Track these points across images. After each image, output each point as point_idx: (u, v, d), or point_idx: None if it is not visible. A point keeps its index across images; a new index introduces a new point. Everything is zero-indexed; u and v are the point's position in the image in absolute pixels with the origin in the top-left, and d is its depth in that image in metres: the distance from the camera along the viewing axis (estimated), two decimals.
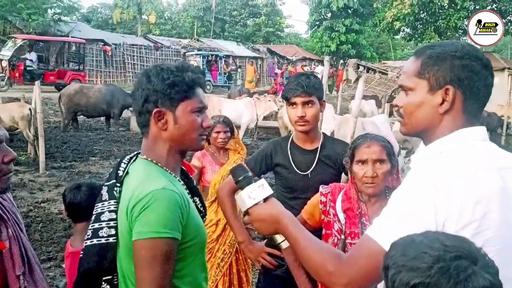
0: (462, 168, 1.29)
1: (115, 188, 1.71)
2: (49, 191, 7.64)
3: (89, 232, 1.72)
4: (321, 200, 2.32)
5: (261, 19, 45.23)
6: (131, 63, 28.15)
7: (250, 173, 1.60)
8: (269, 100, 13.42)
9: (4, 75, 19.29)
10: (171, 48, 30.21)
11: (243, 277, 3.79)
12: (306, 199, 2.49)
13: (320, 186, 2.38)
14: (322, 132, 2.77)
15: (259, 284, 2.81)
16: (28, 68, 20.31)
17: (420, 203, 1.27)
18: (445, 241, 1.04)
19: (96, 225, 1.70)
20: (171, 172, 1.74)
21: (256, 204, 1.55)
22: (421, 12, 27.12)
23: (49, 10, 27.04)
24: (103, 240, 1.68)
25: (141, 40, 30.57)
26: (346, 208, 2.25)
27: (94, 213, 1.74)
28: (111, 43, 27.42)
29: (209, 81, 25.44)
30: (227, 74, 28.34)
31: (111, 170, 1.80)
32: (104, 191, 1.74)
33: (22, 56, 20.66)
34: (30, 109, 9.47)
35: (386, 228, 1.32)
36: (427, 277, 0.98)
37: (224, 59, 28.79)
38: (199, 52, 28.54)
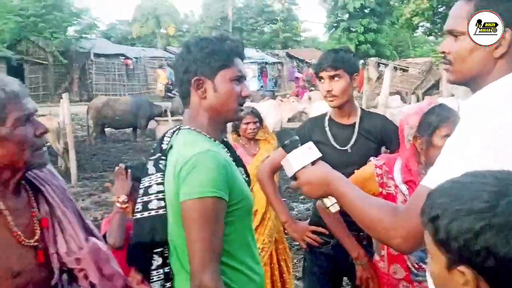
0: None
1: (160, 161, 1.74)
2: (83, 200, 7.76)
3: (139, 206, 1.75)
4: (377, 173, 2.28)
5: (278, 25, 45.29)
6: (152, 75, 28.50)
7: (296, 137, 1.56)
8: (293, 101, 13.41)
9: None
10: None
11: (284, 266, 3.76)
12: (346, 174, 2.46)
13: (372, 159, 2.34)
14: (360, 107, 2.74)
15: (305, 263, 2.79)
16: None
17: (480, 148, 1.22)
18: (498, 175, 0.93)
19: (145, 198, 1.73)
20: (215, 140, 1.76)
21: (304, 167, 1.52)
22: (439, 6, 26.81)
23: (69, 28, 27.57)
24: (153, 212, 1.70)
25: (161, 52, 30.93)
26: (408, 180, 2.21)
27: (141, 187, 1.77)
28: (132, 56, 27.84)
29: (262, 86, 26.35)
30: (274, 79, 29.99)
31: (155, 145, 1.82)
32: (150, 165, 1.77)
33: None
34: (58, 122, 9.64)
35: (443, 175, 1.28)
36: (493, 216, 0.86)
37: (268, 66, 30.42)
38: (253, 60, 29.17)
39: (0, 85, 1.47)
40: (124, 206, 2.47)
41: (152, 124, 14.51)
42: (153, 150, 1.81)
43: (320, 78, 2.59)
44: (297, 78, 28.55)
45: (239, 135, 4.00)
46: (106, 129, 14.32)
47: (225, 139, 1.91)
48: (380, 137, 2.59)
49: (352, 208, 1.44)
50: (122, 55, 27.58)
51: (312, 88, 22.94)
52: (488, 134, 1.23)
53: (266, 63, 30.85)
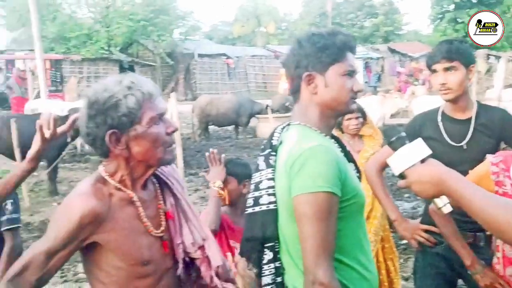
0: None
1: (271, 157, 1.75)
2: (189, 195, 8.06)
3: (250, 201, 1.78)
4: (493, 171, 2.14)
5: (379, 18, 44.10)
6: (253, 73, 29.04)
7: (404, 133, 1.49)
8: (396, 97, 13.00)
9: None
10: None
11: (391, 266, 3.66)
12: (461, 172, 2.34)
13: (489, 156, 2.20)
14: (476, 100, 2.59)
15: (416, 263, 2.69)
16: None
17: None
18: None
19: (256, 194, 1.75)
20: (326, 135, 1.74)
21: (413, 165, 1.43)
22: None
23: (175, 30, 28.85)
24: (264, 207, 1.72)
25: (261, 51, 31.39)
26: None
27: (252, 182, 1.80)
28: (233, 56, 28.54)
29: (366, 82, 26.12)
30: (377, 75, 29.69)
31: (265, 141, 1.85)
32: (260, 161, 1.78)
33: None
34: None
35: None
36: None
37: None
38: (358, 56, 29.13)
39: (138, 86, 1.57)
40: (219, 191, 2.55)
41: (253, 121, 14.78)
42: (263, 146, 1.83)
43: (434, 70, 2.48)
44: (399, 72, 27.64)
45: (342, 132, 3.95)
46: (209, 127, 14.82)
47: (334, 134, 1.89)
48: (499, 132, 2.43)
49: (477, 209, 1.33)
50: (224, 54, 28.40)
51: (416, 83, 22.12)
52: None
53: (371, 58, 30.40)
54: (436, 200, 1.45)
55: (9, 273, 1.54)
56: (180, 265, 1.71)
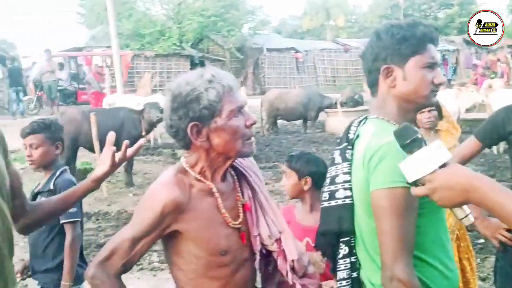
0: None
1: (347, 151, 1.73)
2: None
3: (326, 195, 1.78)
4: None
5: (454, 9, 42.36)
6: (321, 67, 28.78)
7: (419, 134, 1.34)
8: (472, 91, 12.45)
9: (32, 97, 17.82)
10: (360, 49, 30.12)
11: (467, 265, 3.54)
12: None
13: None
14: None
15: (497, 263, 2.59)
16: (58, 88, 18.03)
17: None
18: None
19: (332, 187, 1.74)
20: None
21: (434, 172, 1.28)
22: None
23: (244, 25, 29.10)
24: (339, 202, 1.71)
25: (330, 44, 31.05)
26: None
27: (328, 176, 1.79)
28: (302, 50, 28.43)
29: (444, 75, 25.63)
30: (453, 67, 29.03)
31: (341, 135, 1.84)
32: (336, 155, 1.77)
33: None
34: None
35: None
36: None
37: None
38: (437, 49, 28.64)
39: (218, 79, 1.62)
40: None
41: (322, 115, 14.68)
42: (340, 139, 1.82)
43: None
44: (475, 65, 26.46)
45: (417, 126, 3.86)
46: (278, 121, 14.87)
47: None
48: None
49: (509, 218, 1.21)
50: (293, 48, 28.33)
51: (493, 76, 21.08)
52: None
53: (448, 50, 29.48)
54: (457, 210, 1.33)
55: (98, 257, 1.64)
56: (257, 257, 1.74)
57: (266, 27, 31.69)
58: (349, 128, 1.80)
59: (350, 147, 1.74)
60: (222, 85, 1.61)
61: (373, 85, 1.76)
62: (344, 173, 1.72)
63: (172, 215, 1.60)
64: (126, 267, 1.65)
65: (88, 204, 7.06)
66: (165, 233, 1.65)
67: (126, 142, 1.80)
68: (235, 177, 1.80)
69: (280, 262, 1.75)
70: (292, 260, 1.73)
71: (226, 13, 26.21)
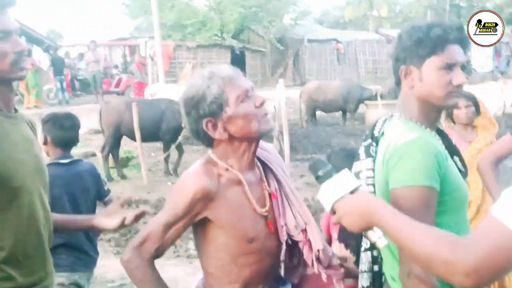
0: None
1: (371, 148, 1.79)
2: (295, 180, 8.16)
3: None
4: None
5: None
6: (363, 59, 28.41)
7: (330, 166, 1.47)
8: None
9: (52, 87, 17.94)
10: None
11: None
12: None
13: None
14: None
15: None
16: (78, 77, 18.79)
17: None
18: None
19: None
20: (426, 128, 1.75)
21: (342, 198, 1.39)
22: None
23: (285, 16, 28.98)
24: None
25: (372, 35, 30.58)
26: None
27: (352, 171, 1.84)
28: (343, 41, 28.12)
29: (497, 67, 25.01)
30: (507, 59, 28.05)
31: (367, 132, 1.89)
32: (361, 151, 1.83)
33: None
34: (274, 106, 10.30)
35: None
36: None
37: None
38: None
39: (217, 73, 1.73)
40: None
41: (362, 108, 14.57)
42: (365, 136, 1.86)
43: None
44: None
45: (454, 122, 3.83)
46: (316, 113, 14.84)
47: (440, 127, 1.88)
48: None
49: (400, 239, 1.27)
50: (334, 39, 28.06)
51: None
52: None
53: (501, 42, 28.44)
54: (369, 233, 1.40)
55: (133, 242, 1.75)
56: (283, 247, 1.81)
57: (308, 17, 31.41)
58: (375, 125, 1.85)
59: (374, 144, 1.79)
60: (221, 77, 1.71)
61: (398, 84, 1.81)
62: (367, 169, 1.77)
63: (202, 202, 1.69)
64: (159, 253, 1.75)
65: (129, 191, 7.30)
66: (196, 219, 1.74)
67: (144, 210, 2.01)
68: (261, 169, 1.88)
69: (306, 252, 1.81)
70: (318, 250, 1.79)
71: (268, 4, 26.14)
